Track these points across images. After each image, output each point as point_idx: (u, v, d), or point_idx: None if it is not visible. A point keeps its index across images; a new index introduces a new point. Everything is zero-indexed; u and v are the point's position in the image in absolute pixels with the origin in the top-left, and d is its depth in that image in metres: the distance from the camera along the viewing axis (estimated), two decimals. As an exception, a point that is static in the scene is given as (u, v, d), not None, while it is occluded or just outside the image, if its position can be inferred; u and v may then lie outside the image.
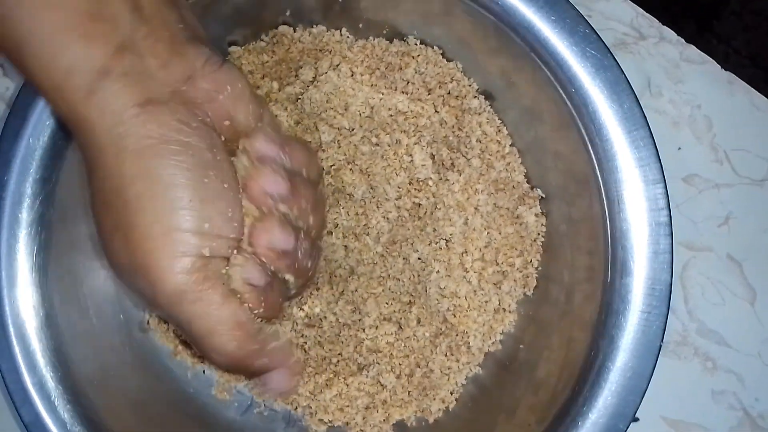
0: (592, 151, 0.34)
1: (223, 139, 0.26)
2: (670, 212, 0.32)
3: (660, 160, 0.33)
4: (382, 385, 0.40)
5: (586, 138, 0.34)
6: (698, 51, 0.43)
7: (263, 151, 0.27)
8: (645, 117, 0.33)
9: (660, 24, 0.43)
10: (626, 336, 0.33)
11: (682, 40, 0.43)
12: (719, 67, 0.43)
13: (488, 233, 0.40)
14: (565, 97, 0.34)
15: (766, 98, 0.43)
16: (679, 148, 0.43)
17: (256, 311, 0.27)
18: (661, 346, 0.32)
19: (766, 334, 0.41)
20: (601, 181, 0.34)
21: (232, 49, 0.41)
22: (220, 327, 0.26)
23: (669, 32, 0.43)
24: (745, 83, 0.43)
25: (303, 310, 0.40)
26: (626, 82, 0.33)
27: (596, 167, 0.34)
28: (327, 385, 0.40)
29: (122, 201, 0.25)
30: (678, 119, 0.43)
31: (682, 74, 0.43)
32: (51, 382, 0.35)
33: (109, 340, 0.39)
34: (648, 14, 0.43)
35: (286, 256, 0.27)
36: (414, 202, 0.40)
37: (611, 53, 0.33)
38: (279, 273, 0.28)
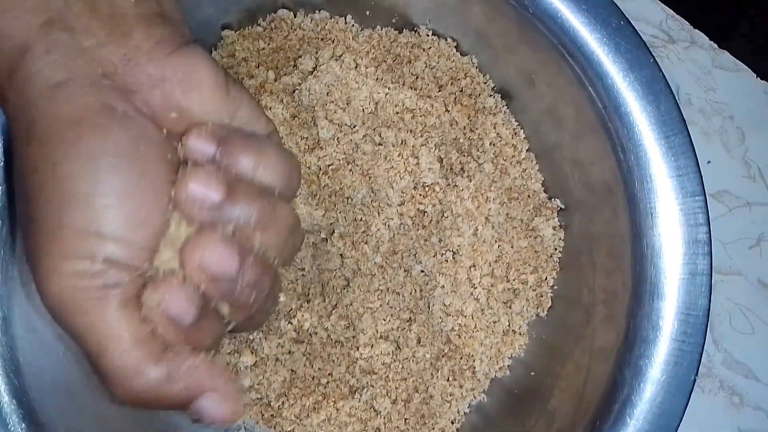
0: (622, 158, 0.30)
1: (165, 132, 0.22)
2: (709, 229, 0.29)
3: (700, 170, 0.29)
4: (375, 410, 0.36)
5: (616, 143, 0.30)
6: (732, 58, 0.39)
7: (193, 147, 0.22)
8: (684, 121, 0.29)
9: (691, 27, 0.40)
10: (655, 367, 0.29)
11: (715, 45, 0.40)
12: (755, 76, 0.39)
13: (499, 246, 0.36)
14: (594, 96, 0.31)
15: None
16: (709, 162, 0.39)
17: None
18: (695, 380, 0.29)
19: (799, 368, 0.38)
20: (631, 191, 0.30)
21: (225, 33, 0.38)
22: (113, 346, 0.21)
23: (701, 36, 0.40)
24: (782, 95, 0.40)
25: (291, 323, 0.36)
26: (664, 80, 0.29)
27: (626, 176, 0.30)
28: (315, 408, 0.36)
29: (26, 194, 0.22)
30: (708, 130, 0.39)
31: (713, 82, 0.39)
32: (4, 396, 0.31)
33: (76, 348, 0.34)
34: (679, 16, 0.40)
35: (222, 282, 0.22)
36: (418, 209, 0.36)
37: (648, 49, 0.30)
38: (211, 300, 0.23)
